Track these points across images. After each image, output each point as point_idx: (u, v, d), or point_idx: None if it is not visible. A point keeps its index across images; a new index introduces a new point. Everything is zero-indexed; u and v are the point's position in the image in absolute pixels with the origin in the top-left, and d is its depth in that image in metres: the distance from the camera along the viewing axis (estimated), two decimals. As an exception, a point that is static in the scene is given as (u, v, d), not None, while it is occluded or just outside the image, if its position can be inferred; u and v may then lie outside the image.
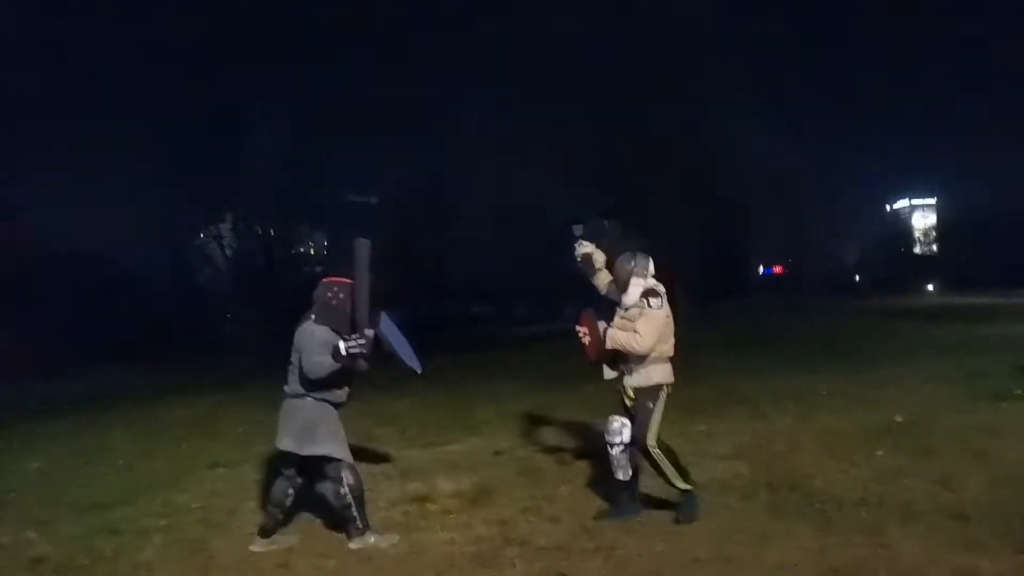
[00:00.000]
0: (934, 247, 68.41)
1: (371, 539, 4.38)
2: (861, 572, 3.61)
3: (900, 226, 73.50)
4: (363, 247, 4.20)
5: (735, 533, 4.20)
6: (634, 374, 4.47)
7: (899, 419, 6.72)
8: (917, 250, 70.18)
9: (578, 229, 4.93)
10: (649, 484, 4.70)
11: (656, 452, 4.38)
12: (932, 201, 74.40)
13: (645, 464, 4.53)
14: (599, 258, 4.81)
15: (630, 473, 4.57)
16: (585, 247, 4.83)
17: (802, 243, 34.56)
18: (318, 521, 4.87)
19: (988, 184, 51.76)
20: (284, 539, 4.52)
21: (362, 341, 4.07)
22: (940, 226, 68.77)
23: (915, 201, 78.26)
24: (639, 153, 24.61)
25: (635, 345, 4.33)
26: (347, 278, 4.29)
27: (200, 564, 4.31)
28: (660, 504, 4.64)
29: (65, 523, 5.27)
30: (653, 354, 4.40)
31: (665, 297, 4.46)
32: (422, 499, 5.27)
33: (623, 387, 4.55)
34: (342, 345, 4.05)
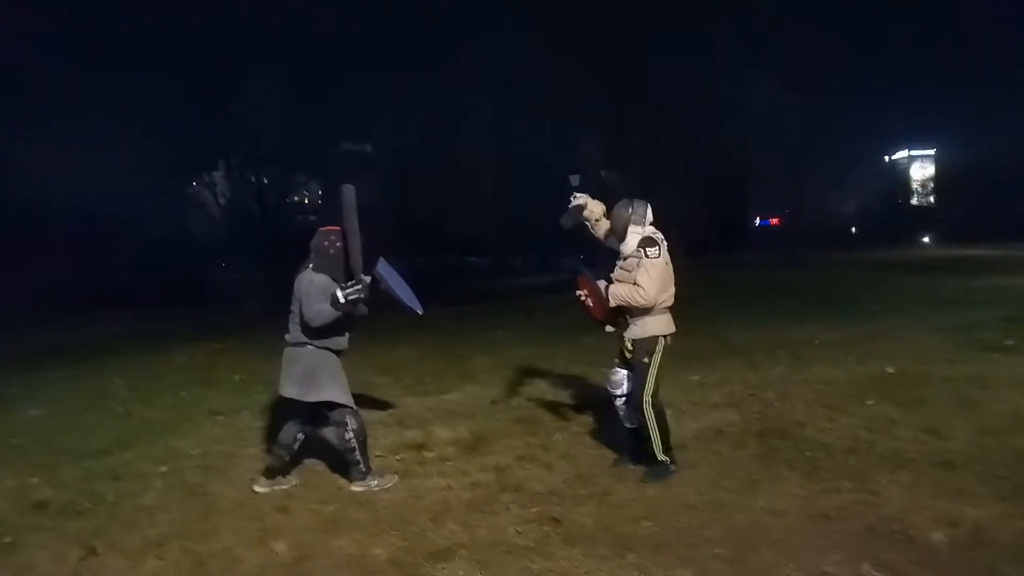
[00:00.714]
0: (931, 199, 68.12)
1: (373, 482, 4.48)
2: (848, 517, 3.69)
3: (898, 177, 73.03)
4: (349, 192, 4.25)
5: (725, 479, 4.28)
6: (632, 326, 4.44)
7: (891, 369, 6.77)
8: (914, 201, 69.89)
9: (575, 179, 4.87)
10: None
11: (649, 411, 4.34)
12: (931, 152, 73.79)
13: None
14: (597, 208, 4.69)
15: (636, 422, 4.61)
16: (580, 198, 4.73)
17: (800, 194, 34.34)
18: (318, 467, 4.96)
19: (987, 135, 51.19)
20: (285, 481, 4.62)
21: (358, 287, 4.17)
22: (938, 177, 68.36)
23: (914, 152, 77.56)
24: (638, 105, 24.33)
25: (638, 298, 4.27)
26: (336, 226, 4.33)
27: (200, 508, 4.39)
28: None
29: (66, 468, 5.33)
30: None
31: (664, 245, 4.37)
32: (419, 446, 5.34)
33: (623, 339, 4.53)
34: (339, 293, 4.16)
